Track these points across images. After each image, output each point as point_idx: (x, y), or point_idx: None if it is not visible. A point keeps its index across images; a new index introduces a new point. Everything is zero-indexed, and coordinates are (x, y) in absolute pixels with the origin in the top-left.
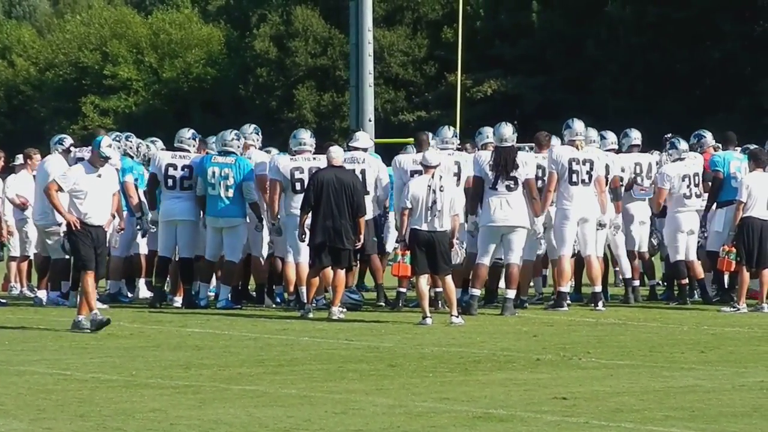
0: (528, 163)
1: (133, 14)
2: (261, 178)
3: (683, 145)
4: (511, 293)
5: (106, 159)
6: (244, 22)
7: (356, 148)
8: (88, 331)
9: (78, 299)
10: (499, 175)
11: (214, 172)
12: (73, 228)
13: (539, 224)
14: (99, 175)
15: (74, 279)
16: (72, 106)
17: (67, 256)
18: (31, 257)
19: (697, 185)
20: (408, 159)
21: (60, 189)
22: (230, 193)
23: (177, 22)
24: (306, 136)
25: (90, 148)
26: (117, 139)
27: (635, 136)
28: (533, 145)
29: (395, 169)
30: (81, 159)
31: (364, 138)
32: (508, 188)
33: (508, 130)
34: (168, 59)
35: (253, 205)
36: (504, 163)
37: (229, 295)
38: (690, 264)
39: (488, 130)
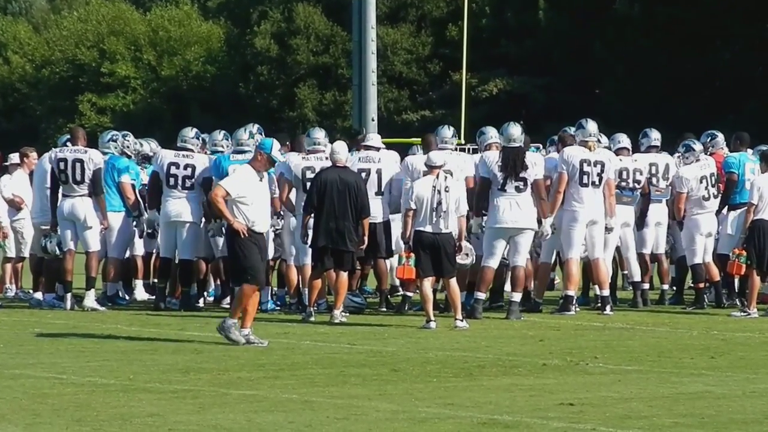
0: (537, 163)
1: (131, 11)
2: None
3: (698, 146)
4: (517, 296)
5: (274, 163)
6: (244, 19)
7: (370, 147)
8: (242, 342)
9: (232, 306)
10: (508, 176)
11: (235, 170)
12: (242, 236)
13: (546, 226)
14: (261, 179)
15: (65, 282)
16: (69, 105)
17: (45, 257)
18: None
19: (714, 185)
20: (420, 161)
21: (228, 194)
22: None
23: (176, 19)
24: (321, 136)
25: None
26: (114, 138)
27: (655, 136)
28: (539, 145)
29: (406, 170)
30: (80, 161)
31: (377, 138)
32: (518, 189)
33: (516, 130)
34: (167, 57)
35: (272, 200)
36: (513, 163)
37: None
38: (707, 266)
39: (491, 130)
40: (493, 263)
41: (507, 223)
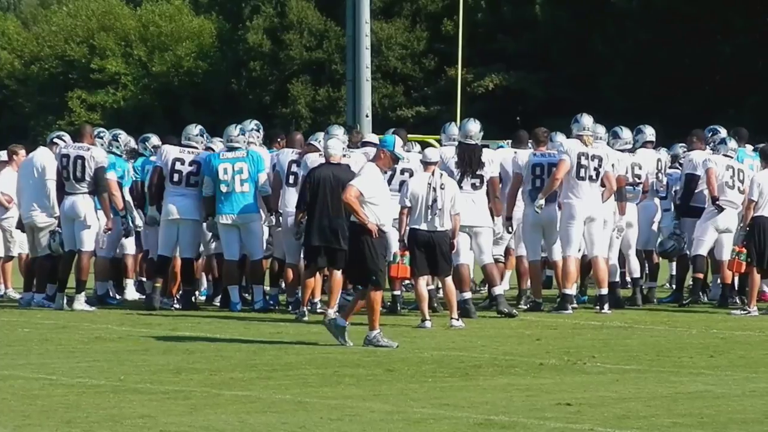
0: (493, 161)
1: (121, 6)
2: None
3: (733, 143)
4: (498, 289)
5: (398, 160)
6: (236, 14)
7: (368, 143)
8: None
9: (369, 317)
10: (464, 173)
11: (226, 169)
12: (374, 236)
13: (500, 224)
14: (384, 179)
15: (61, 280)
16: (58, 101)
17: (54, 255)
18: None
19: (742, 180)
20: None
21: (361, 195)
22: (246, 187)
23: (167, 14)
24: (339, 133)
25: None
26: (100, 135)
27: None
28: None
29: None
30: (82, 158)
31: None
32: (474, 186)
33: (475, 126)
34: (158, 52)
35: (267, 198)
36: (469, 160)
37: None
38: (720, 264)
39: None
40: (464, 260)
41: (462, 222)
